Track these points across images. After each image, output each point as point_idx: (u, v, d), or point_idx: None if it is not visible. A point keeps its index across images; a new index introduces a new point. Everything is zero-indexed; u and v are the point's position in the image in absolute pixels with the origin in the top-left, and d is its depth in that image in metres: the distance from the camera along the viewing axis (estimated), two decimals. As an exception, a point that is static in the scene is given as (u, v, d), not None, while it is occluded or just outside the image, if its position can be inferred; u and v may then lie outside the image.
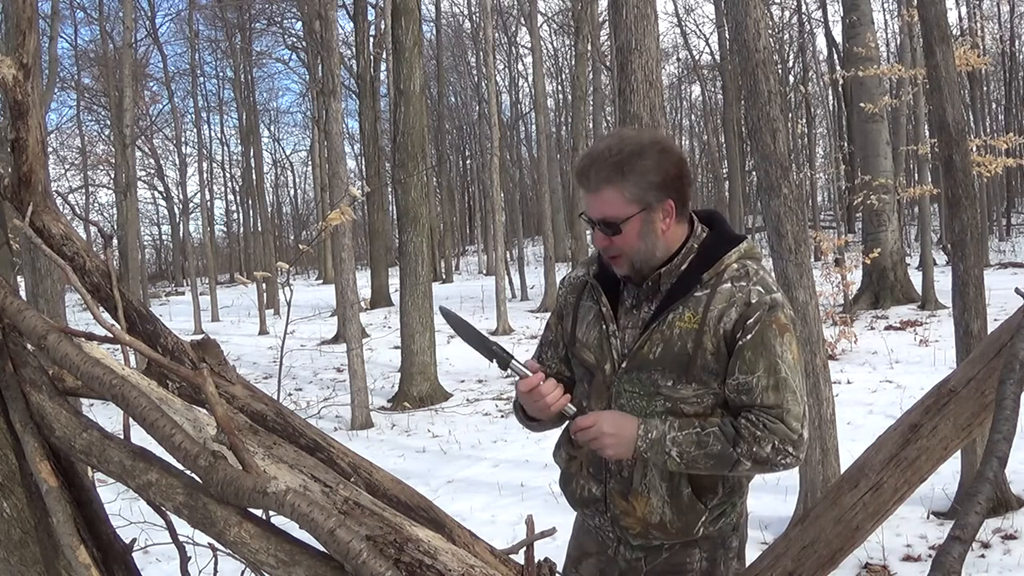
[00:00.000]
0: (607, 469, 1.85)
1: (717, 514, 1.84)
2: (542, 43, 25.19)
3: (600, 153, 1.73)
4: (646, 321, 1.79)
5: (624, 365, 1.79)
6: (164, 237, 45.47)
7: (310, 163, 35.50)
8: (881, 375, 9.54)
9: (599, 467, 1.87)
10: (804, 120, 29.69)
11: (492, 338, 1.97)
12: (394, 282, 14.98)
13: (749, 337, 1.71)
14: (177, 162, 28.86)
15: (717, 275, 1.76)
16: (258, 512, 1.50)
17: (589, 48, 20.53)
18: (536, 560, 1.97)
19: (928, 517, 5.28)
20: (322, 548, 1.41)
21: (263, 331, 18.80)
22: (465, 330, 1.87)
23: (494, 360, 1.83)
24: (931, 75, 5.51)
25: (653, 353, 1.76)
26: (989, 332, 2.25)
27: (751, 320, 1.72)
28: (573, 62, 23.91)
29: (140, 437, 1.55)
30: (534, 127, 26.67)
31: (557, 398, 1.78)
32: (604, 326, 1.83)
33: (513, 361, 1.82)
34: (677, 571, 1.87)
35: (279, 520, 1.49)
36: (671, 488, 1.80)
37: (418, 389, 10.41)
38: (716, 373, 1.75)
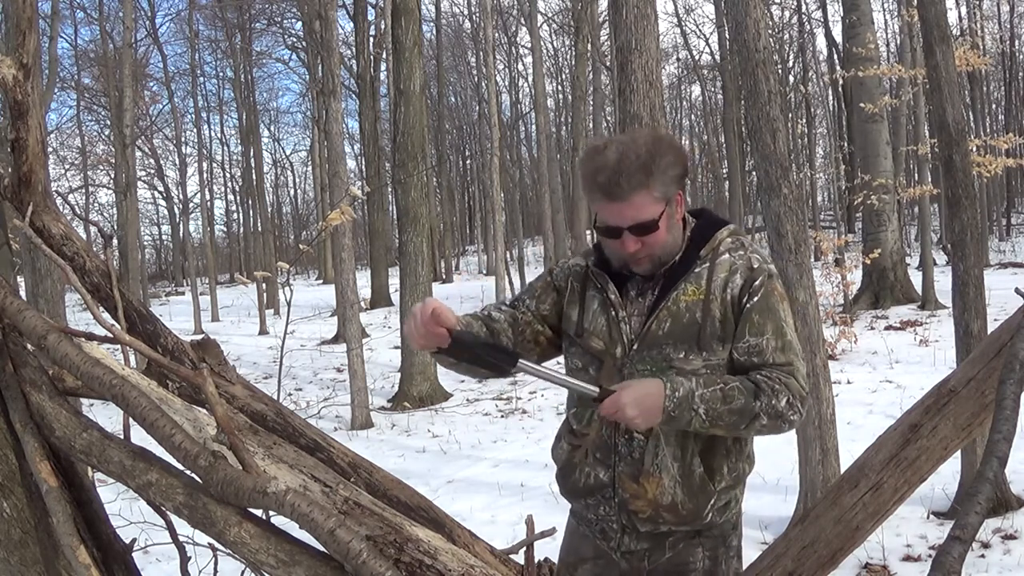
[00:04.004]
0: (616, 452, 1.85)
1: (724, 501, 1.86)
2: (542, 43, 25.20)
3: (621, 161, 1.75)
4: (650, 306, 1.84)
5: (636, 347, 1.83)
6: (164, 237, 45.46)
7: (310, 163, 35.48)
8: (881, 375, 9.54)
9: (608, 451, 1.86)
10: (804, 120, 29.66)
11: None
12: (394, 282, 14.97)
13: (756, 300, 1.80)
14: (177, 162, 28.88)
15: (713, 250, 1.85)
16: (258, 512, 1.50)
17: (589, 48, 20.52)
18: (536, 560, 1.97)
19: (928, 517, 5.28)
20: (322, 548, 1.41)
21: (263, 331, 18.80)
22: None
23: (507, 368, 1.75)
24: (931, 75, 5.51)
25: (662, 329, 1.81)
26: (989, 332, 2.25)
27: (756, 283, 1.80)
28: (573, 62, 23.90)
29: (140, 437, 1.55)
30: (534, 127, 26.67)
31: (423, 344, 1.71)
32: (613, 312, 1.86)
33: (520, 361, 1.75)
34: (680, 571, 1.87)
35: (279, 520, 1.48)
36: (683, 468, 1.81)
37: (418, 389, 10.40)
38: (723, 340, 1.81)
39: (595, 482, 1.88)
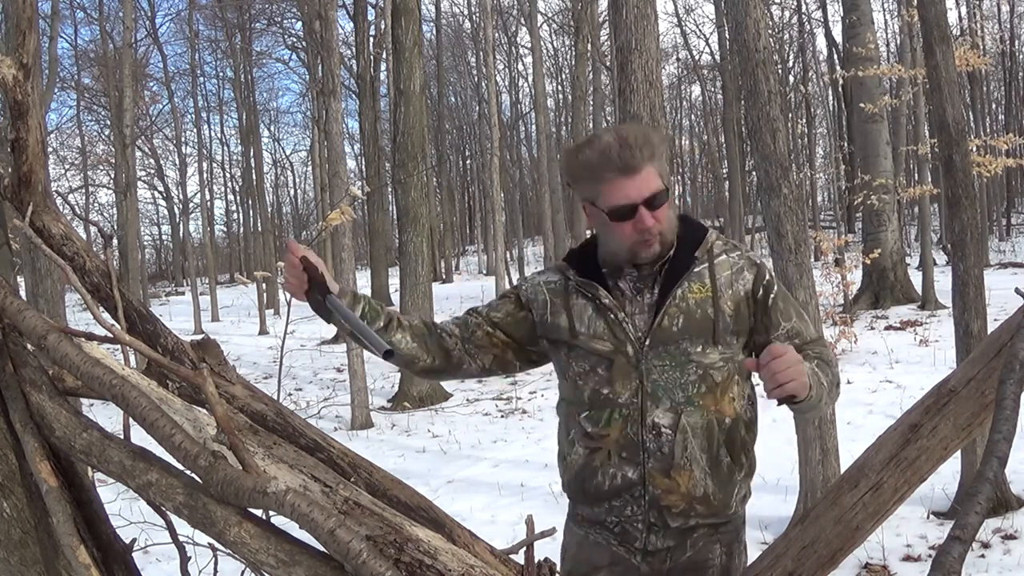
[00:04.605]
0: (645, 449, 1.83)
1: (744, 492, 1.90)
2: (542, 43, 25.19)
3: (624, 138, 1.79)
4: (652, 304, 1.87)
5: (648, 343, 1.84)
6: (164, 237, 45.50)
7: (310, 163, 35.44)
8: (881, 375, 9.54)
9: (635, 449, 1.84)
10: (804, 120, 29.68)
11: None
12: (394, 282, 14.98)
13: (775, 290, 1.90)
14: (177, 162, 28.89)
15: (707, 251, 1.90)
16: (258, 512, 1.50)
17: (589, 48, 20.52)
18: (536, 560, 1.97)
19: (928, 517, 5.28)
20: (322, 548, 1.41)
21: (263, 331, 18.81)
22: (352, 324, 1.82)
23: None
24: (931, 75, 5.51)
25: (676, 325, 1.84)
26: (989, 332, 2.25)
27: (767, 277, 1.91)
28: (573, 62, 23.90)
29: (140, 437, 1.55)
30: (534, 127, 26.69)
31: (291, 285, 1.90)
32: (612, 315, 1.87)
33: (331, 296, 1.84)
34: (699, 568, 1.88)
35: (279, 520, 1.48)
36: (711, 459, 1.83)
37: (418, 389, 10.40)
38: (736, 333, 1.88)
39: (622, 482, 1.86)
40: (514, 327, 1.98)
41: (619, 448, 1.86)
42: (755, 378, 1.92)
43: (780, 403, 1.66)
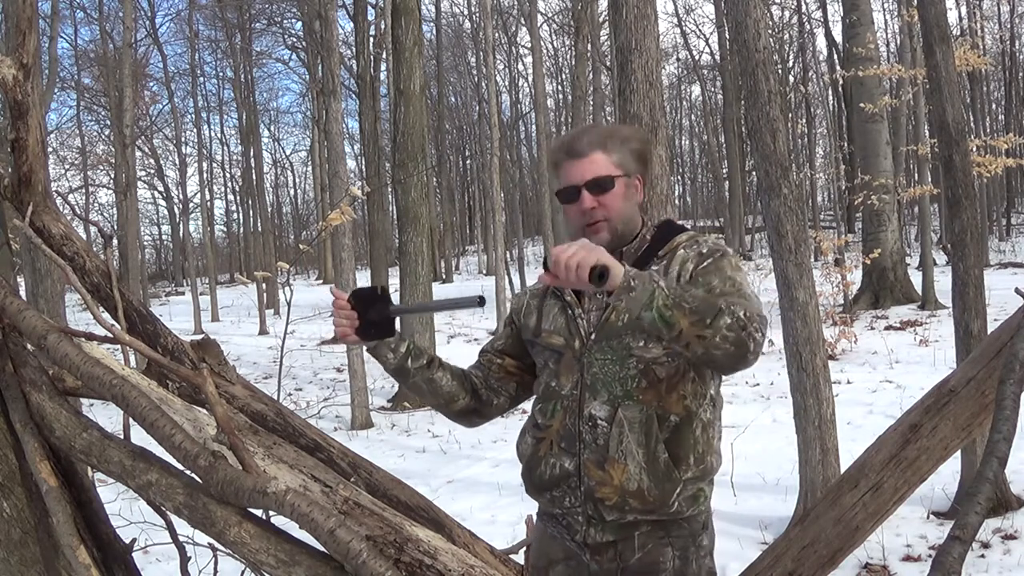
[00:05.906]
0: (581, 440, 1.87)
1: (691, 492, 1.86)
2: (542, 43, 25.20)
3: (583, 130, 1.93)
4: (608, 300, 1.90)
5: (593, 337, 1.88)
6: (164, 237, 45.49)
7: (310, 163, 35.53)
8: (881, 375, 9.54)
9: (572, 440, 1.88)
10: (804, 120, 29.67)
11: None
12: (394, 282, 14.97)
13: (704, 264, 1.83)
14: (177, 162, 28.86)
15: (671, 251, 1.91)
16: (258, 512, 1.50)
17: (589, 48, 20.52)
18: (536, 560, 1.97)
19: (928, 517, 5.28)
20: (322, 548, 1.41)
21: (263, 331, 18.80)
22: (429, 306, 2.16)
23: (477, 303, 1.79)
24: (931, 75, 5.51)
25: (621, 320, 1.85)
26: (989, 332, 2.25)
27: (707, 259, 1.85)
28: (573, 62, 23.92)
29: (140, 437, 1.55)
30: (534, 127, 26.68)
31: (342, 326, 2.00)
32: (570, 311, 1.94)
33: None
34: (650, 571, 1.87)
35: (279, 520, 1.48)
36: (647, 454, 1.82)
37: (418, 389, 10.38)
38: None
39: (560, 472, 1.90)
40: (514, 348, 2.08)
41: (559, 438, 1.91)
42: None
43: (601, 291, 1.64)
